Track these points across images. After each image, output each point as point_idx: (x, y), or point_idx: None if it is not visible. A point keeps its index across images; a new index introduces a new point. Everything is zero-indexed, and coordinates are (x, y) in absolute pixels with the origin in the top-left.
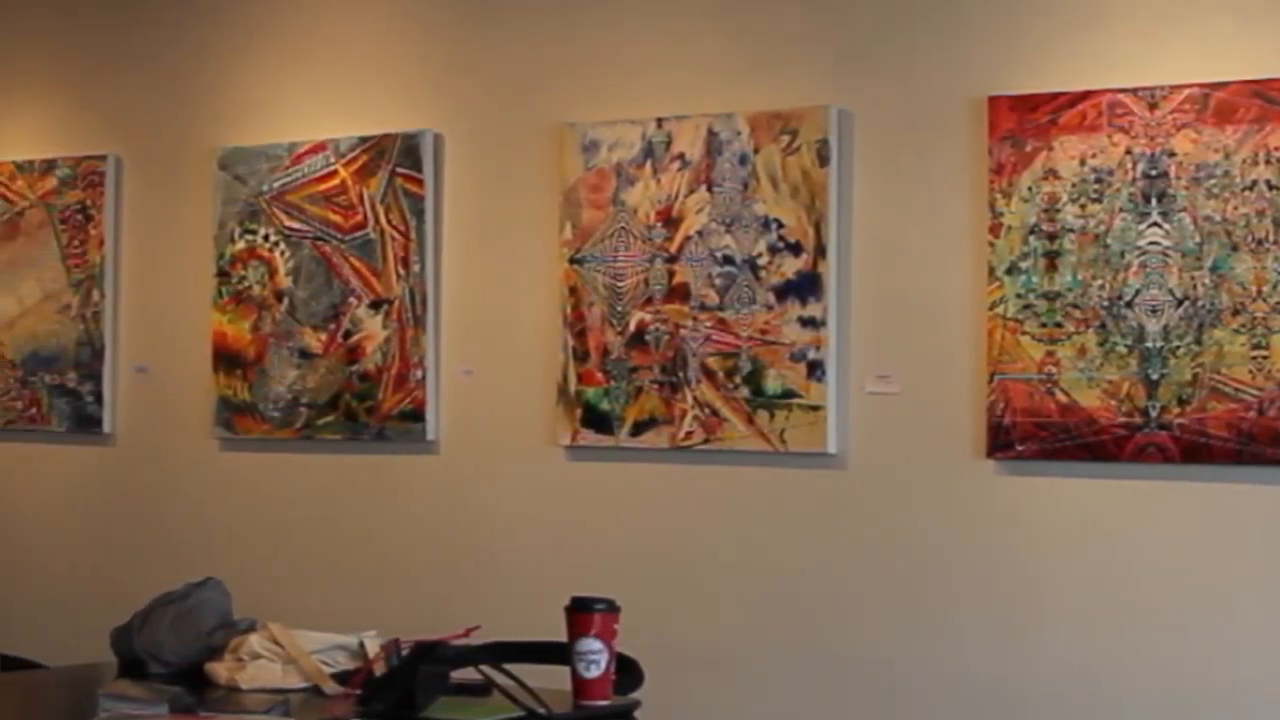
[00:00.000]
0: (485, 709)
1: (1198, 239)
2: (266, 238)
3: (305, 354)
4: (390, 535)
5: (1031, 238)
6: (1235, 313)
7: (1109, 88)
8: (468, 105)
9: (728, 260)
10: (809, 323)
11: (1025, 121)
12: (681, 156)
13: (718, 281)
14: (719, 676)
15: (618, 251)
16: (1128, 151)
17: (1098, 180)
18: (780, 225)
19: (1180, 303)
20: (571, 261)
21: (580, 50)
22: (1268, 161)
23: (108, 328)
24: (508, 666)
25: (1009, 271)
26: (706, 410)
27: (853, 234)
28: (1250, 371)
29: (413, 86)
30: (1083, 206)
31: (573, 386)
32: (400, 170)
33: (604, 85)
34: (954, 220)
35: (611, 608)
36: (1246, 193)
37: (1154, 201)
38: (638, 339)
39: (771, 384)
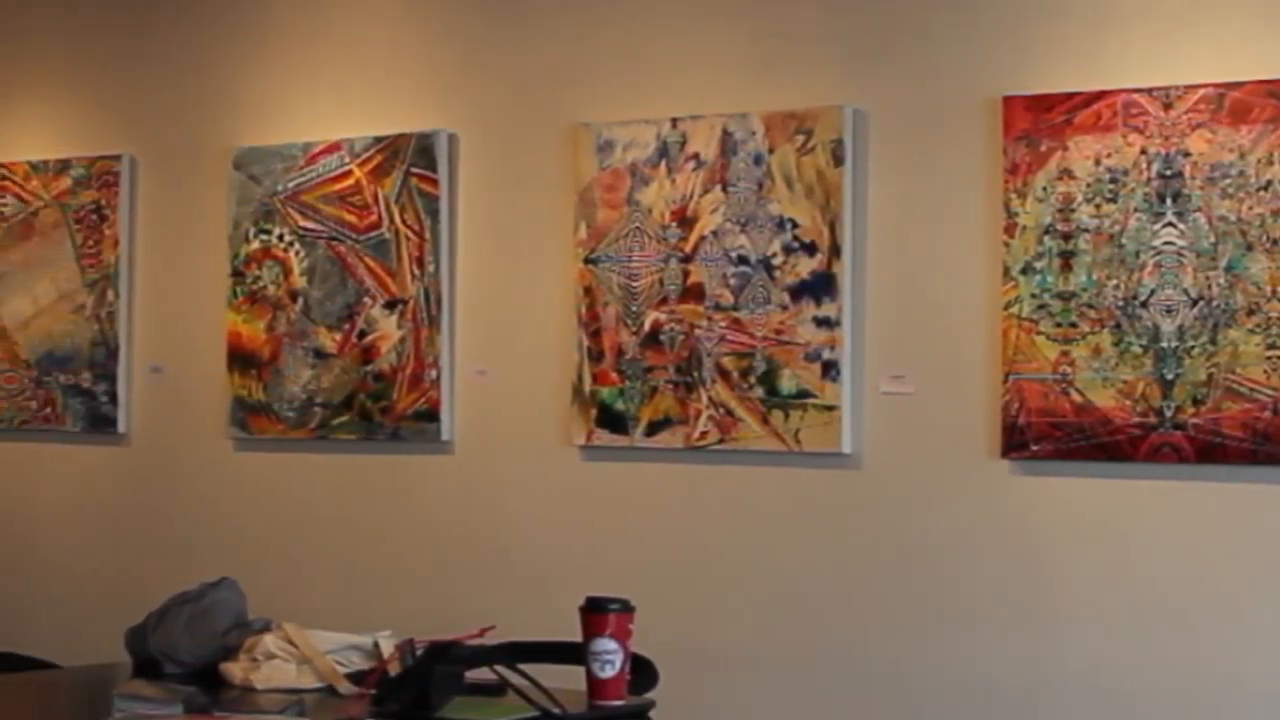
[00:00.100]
0: (500, 709)
1: (1213, 239)
2: (281, 238)
3: (320, 354)
4: (405, 535)
5: (1046, 237)
6: (1250, 313)
7: (1124, 88)
8: (482, 105)
9: (742, 260)
10: (824, 323)
11: (1040, 121)
12: (696, 156)
13: (732, 281)
14: (734, 676)
15: (632, 251)
16: (1143, 151)
17: (1113, 180)
18: (795, 225)
19: (1195, 303)
20: (586, 261)
21: (595, 50)
22: None
23: (122, 328)
24: (522, 666)
25: (1024, 271)
26: (721, 410)
27: (867, 234)
28: (1265, 371)
29: (427, 86)
30: (1098, 206)
31: (587, 386)
32: (415, 170)
33: (619, 85)
34: (969, 220)
35: (626, 608)
36: (1261, 193)
37: (1169, 201)
38: (652, 339)
39: (786, 384)
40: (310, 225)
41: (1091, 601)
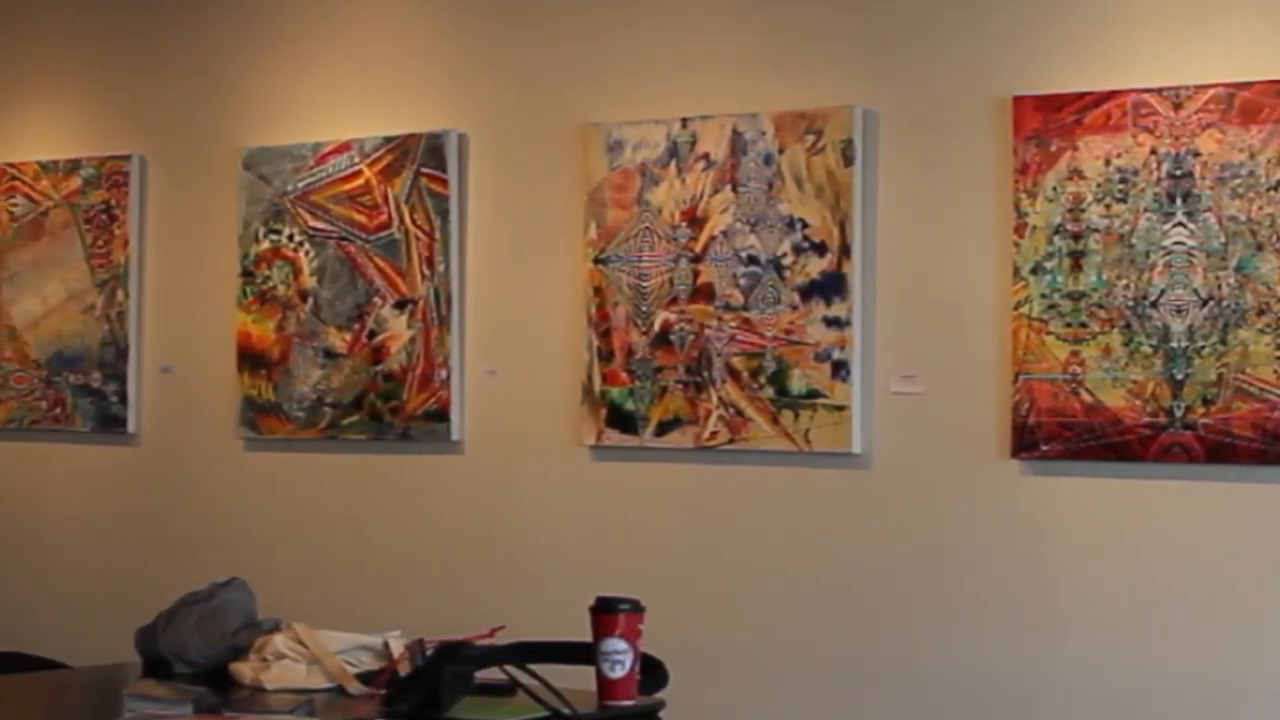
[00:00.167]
0: (510, 709)
1: (1223, 239)
2: (291, 237)
3: (330, 354)
4: (415, 535)
5: (1056, 237)
6: (1260, 313)
7: (1134, 87)
8: (492, 105)
9: (752, 260)
10: (833, 323)
11: (1050, 121)
12: (706, 156)
13: (742, 281)
14: (743, 676)
15: (642, 251)
16: (1152, 151)
17: (1122, 180)
18: (805, 225)
19: (1205, 303)
20: (596, 261)
21: (605, 50)
22: None
23: (132, 328)
24: (532, 667)
25: (1034, 271)
26: (731, 410)
27: (877, 234)
28: (1275, 371)
29: (437, 86)
30: (1107, 206)
31: (597, 386)
32: (425, 170)
33: (629, 85)
34: (979, 220)
35: (636, 608)
36: (1272, 192)
37: (1179, 201)
38: (662, 339)
39: (796, 384)
40: (320, 225)
41: (1101, 601)
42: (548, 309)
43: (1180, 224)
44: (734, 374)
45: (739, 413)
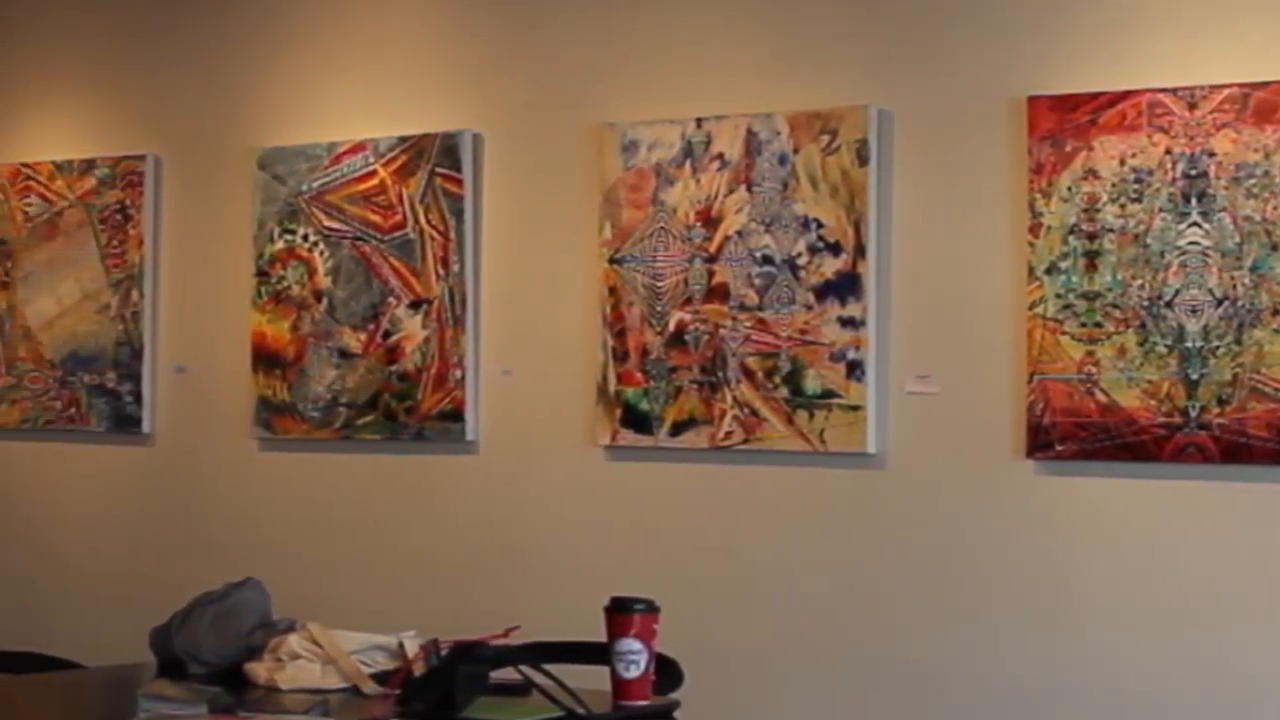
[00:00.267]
0: (524, 709)
1: (1237, 239)
2: (306, 237)
3: (344, 354)
4: (429, 535)
5: (1071, 237)
6: (1275, 312)
7: (1149, 87)
8: (507, 105)
9: (767, 260)
10: (848, 323)
11: (1065, 121)
12: (721, 156)
13: (757, 281)
14: (758, 676)
15: (657, 251)
16: (1167, 151)
17: (1137, 180)
18: (820, 225)
19: (1220, 303)
20: (611, 261)
21: (620, 50)
22: None
23: (147, 328)
24: (547, 667)
25: (1049, 271)
26: (746, 410)
27: (892, 234)
28: None
29: (452, 86)
30: (1122, 206)
31: (612, 386)
32: (439, 170)
33: (643, 85)
34: (993, 220)
35: (651, 608)
36: None
37: (1194, 201)
38: (677, 339)
39: (811, 384)
40: (335, 225)
41: (1116, 602)
42: (562, 309)
43: (1195, 224)
44: (749, 374)
45: (754, 413)
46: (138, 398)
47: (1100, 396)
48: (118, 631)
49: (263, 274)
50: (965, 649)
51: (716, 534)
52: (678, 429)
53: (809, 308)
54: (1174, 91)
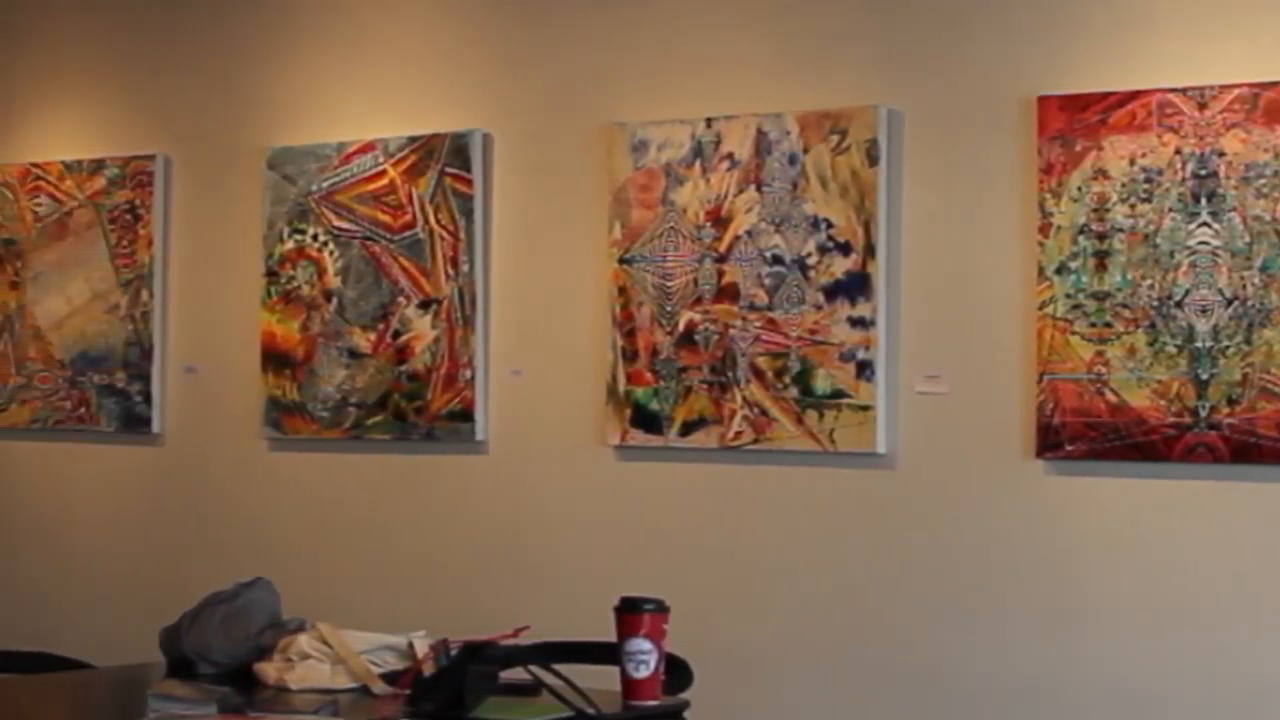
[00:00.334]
0: (534, 709)
1: (1247, 239)
2: (315, 237)
3: (354, 354)
4: (439, 535)
5: (1081, 237)
6: None
7: (1158, 87)
8: (517, 105)
9: (777, 260)
10: (858, 323)
11: (1075, 121)
12: (731, 156)
13: (767, 281)
14: (768, 676)
15: (667, 251)
16: (1177, 151)
17: (1147, 180)
18: (829, 225)
19: (1230, 302)
20: (620, 261)
21: (630, 50)
22: None
23: (156, 328)
24: (557, 667)
25: (1058, 271)
26: (755, 410)
27: (902, 234)
28: None
29: (462, 86)
30: (1132, 206)
31: (622, 386)
32: (449, 170)
33: (653, 85)
34: (1003, 220)
35: (661, 608)
36: None
37: (1203, 201)
38: (687, 339)
39: (821, 384)
40: (345, 225)
41: (1126, 602)
42: (572, 309)
43: (1205, 224)
44: (758, 374)
45: (763, 413)
46: (147, 398)
47: (1110, 396)
48: (127, 631)
49: (272, 274)
50: (975, 648)
51: (726, 534)
52: (687, 429)
53: (819, 308)
54: (1184, 91)
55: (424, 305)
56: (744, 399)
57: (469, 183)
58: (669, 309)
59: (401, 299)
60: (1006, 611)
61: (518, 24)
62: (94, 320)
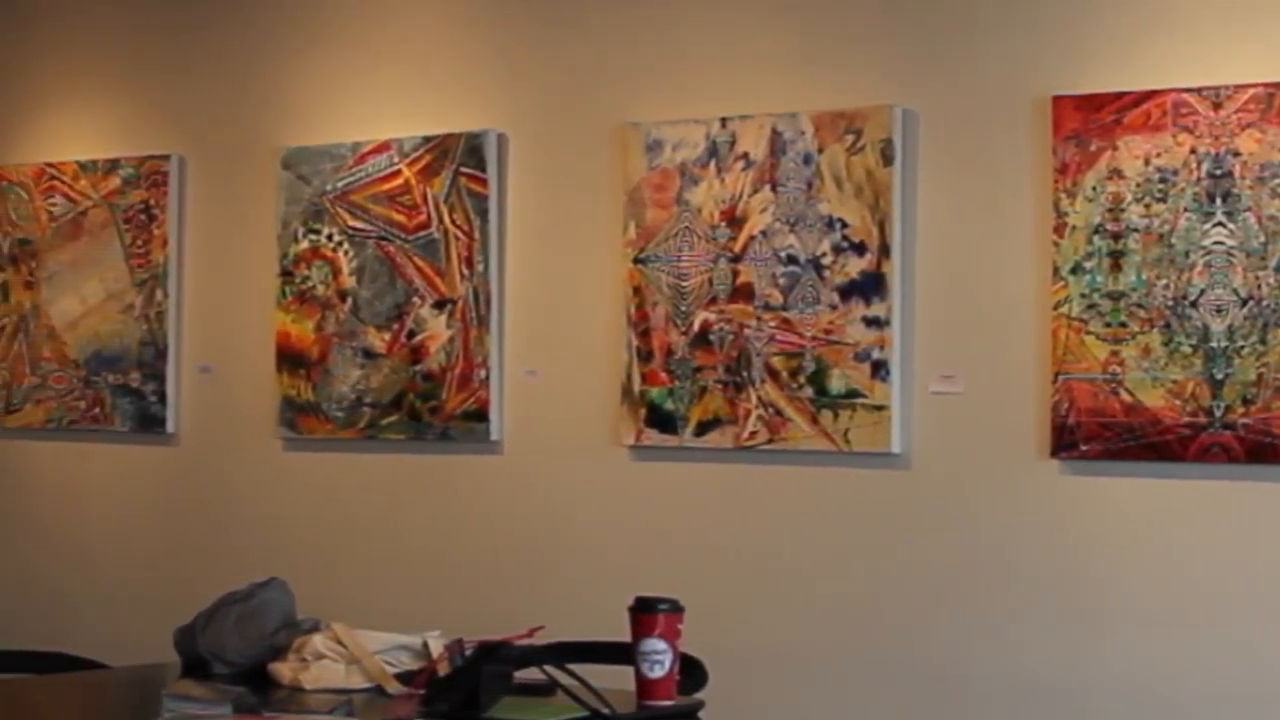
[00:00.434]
0: (549, 709)
1: (1262, 239)
2: (330, 237)
3: (369, 354)
4: (454, 535)
5: (1096, 237)
6: None
7: (1173, 87)
8: (531, 105)
9: (792, 260)
10: (873, 322)
11: (1090, 121)
12: (745, 156)
13: (782, 281)
14: (782, 676)
15: (682, 251)
16: (1192, 151)
17: (1162, 180)
18: (844, 225)
19: (1245, 302)
20: (635, 261)
21: (644, 50)
22: None
23: (171, 327)
24: (571, 666)
25: (1073, 271)
26: (770, 410)
27: (917, 233)
28: None
29: (476, 86)
30: (1147, 206)
31: (637, 386)
32: (464, 170)
33: (668, 85)
34: (1018, 220)
35: (675, 608)
36: None
37: (1218, 201)
38: (702, 339)
39: (835, 384)
40: (359, 225)
41: (1140, 602)
42: (587, 309)
43: (1220, 224)
44: (773, 374)
45: (778, 413)
46: (162, 398)
47: (1125, 396)
48: (142, 631)
49: (287, 274)
50: (989, 649)
51: (741, 534)
52: (702, 429)
53: (833, 307)
54: (1199, 91)
55: (439, 305)
56: (759, 399)
57: (484, 183)
58: (684, 309)
59: (416, 299)
60: (1021, 612)
61: (532, 24)
62: (108, 320)
